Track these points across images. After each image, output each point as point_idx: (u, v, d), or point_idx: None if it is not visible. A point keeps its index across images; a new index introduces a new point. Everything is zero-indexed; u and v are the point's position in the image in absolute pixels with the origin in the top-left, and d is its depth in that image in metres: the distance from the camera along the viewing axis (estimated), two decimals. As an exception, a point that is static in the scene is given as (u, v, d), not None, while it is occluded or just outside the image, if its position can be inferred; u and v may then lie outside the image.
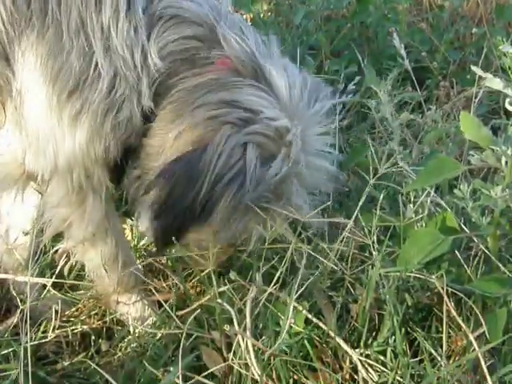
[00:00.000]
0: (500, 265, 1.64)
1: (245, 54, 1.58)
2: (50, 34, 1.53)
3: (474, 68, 1.62)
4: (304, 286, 1.60)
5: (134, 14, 1.54)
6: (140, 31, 1.54)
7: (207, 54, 1.58)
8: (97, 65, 1.53)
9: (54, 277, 1.78)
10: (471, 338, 1.46)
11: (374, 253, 1.69)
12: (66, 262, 1.83)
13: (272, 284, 1.65)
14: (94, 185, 1.66)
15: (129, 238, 2.15)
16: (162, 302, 1.66)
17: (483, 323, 1.50)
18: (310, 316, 1.63)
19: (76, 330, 1.80)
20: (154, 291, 1.78)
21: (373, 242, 1.67)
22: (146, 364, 1.56)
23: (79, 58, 1.53)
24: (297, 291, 1.59)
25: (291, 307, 1.55)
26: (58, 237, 1.82)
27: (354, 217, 1.70)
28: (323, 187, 1.70)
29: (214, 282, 1.64)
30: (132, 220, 2.17)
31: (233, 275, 1.73)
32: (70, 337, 1.78)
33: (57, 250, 1.88)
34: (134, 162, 1.67)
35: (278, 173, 1.57)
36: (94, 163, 1.62)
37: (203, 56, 1.58)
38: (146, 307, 1.83)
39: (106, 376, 1.52)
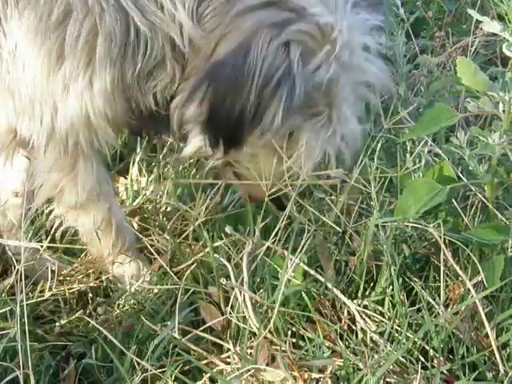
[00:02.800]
0: (497, 212, 1.63)
1: None
2: None
3: (470, 11, 1.58)
4: (302, 240, 1.59)
5: None
6: None
7: None
8: (136, 25, 1.50)
9: (47, 241, 1.77)
10: (469, 285, 1.46)
11: (372, 203, 1.69)
12: (57, 228, 1.81)
13: (271, 238, 1.64)
14: (91, 148, 1.64)
15: (123, 197, 2.15)
16: (158, 258, 1.65)
17: (481, 271, 1.49)
18: (307, 269, 1.63)
19: (73, 289, 1.79)
20: (151, 249, 1.77)
21: (370, 193, 1.66)
22: (144, 319, 1.56)
23: (116, 21, 1.49)
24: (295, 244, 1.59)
25: (289, 260, 1.54)
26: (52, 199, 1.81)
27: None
28: (374, 84, 1.64)
29: (206, 236, 1.63)
30: (126, 178, 2.16)
31: (229, 229, 1.72)
32: (68, 295, 1.78)
33: (51, 212, 1.86)
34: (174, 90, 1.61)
35: (324, 72, 1.53)
36: (107, 123, 1.59)
37: None
38: (142, 265, 1.82)
39: (105, 332, 1.51)
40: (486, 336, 1.45)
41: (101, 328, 1.52)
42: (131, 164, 2.15)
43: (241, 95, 1.51)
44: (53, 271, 1.80)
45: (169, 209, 2.04)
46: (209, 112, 1.55)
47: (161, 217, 2.01)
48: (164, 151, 2.18)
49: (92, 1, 1.49)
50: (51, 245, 1.82)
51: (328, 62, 1.54)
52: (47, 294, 1.73)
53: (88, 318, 1.61)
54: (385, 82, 1.66)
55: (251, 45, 1.49)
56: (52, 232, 1.83)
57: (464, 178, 1.71)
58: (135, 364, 1.47)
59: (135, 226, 2.01)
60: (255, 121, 1.53)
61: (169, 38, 1.54)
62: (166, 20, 1.52)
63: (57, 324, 1.67)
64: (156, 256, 1.65)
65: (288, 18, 1.51)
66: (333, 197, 1.73)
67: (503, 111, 1.57)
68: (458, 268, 1.51)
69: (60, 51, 1.52)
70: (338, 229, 1.68)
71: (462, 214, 1.65)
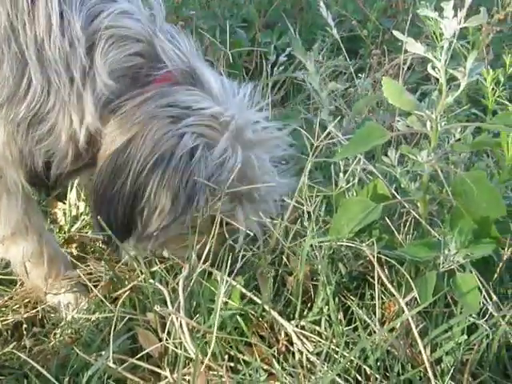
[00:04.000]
0: (430, 229, 1.65)
1: (182, 63, 1.63)
2: None
3: (395, 33, 1.61)
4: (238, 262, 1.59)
5: (68, 29, 1.52)
6: (77, 46, 1.53)
7: (148, 70, 1.61)
8: (30, 77, 1.51)
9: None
10: (402, 303, 1.47)
11: (307, 223, 1.69)
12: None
13: (202, 260, 1.62)
14: (8, 185, 1.64)
15: (62, 222, 2.11)
16: (92, 287, 1.62)
17: (413, 287, 1.51)
18: (244, 291, 1.62)
19: (7, 321, 1.75)
20: (83, 277, 1.74)
21: (303, 212, 1.67)
22: (76, 350, 1.53)
23: (12, 69, 1.50)
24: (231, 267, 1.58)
25: (223, 283, 1.53)
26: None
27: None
28: (280, 155, 1.74)
29: (142, 263, 1.62)
30: (64, 204, 2.12)
31: (166, 253, 1.71)
32: (2, 327, 1.73)
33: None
34: None
35: (232, 156, 1.60)
36: (10, 164, 1.60)
37: (145, 73, 1.61)
38: (79, 294, 1.80)
39: (36, 366, 1.48)
40: (421, 352, 1.46)
41: (31, 361, 1.48)
42: (69, 188, 2.12)
43: (118, 181, 1.56)
44: (-14, 302, 1.76)
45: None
46: (96, 204, 1.61)
47: (100, 242, 1.98)
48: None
49: None
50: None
51: (233, 147, 1.62)
52: (-21, 327, 1.69)
53: (18, 352, 1.56)
54: (287, 143, 1.76)
55: (137, 133, 1.56)
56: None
57: (398, 196, 1.73)
58: (68, 396, 1.44)
59: (74, 251, 1.99)
60: (136, 204, 1.58)
61: (69, 115, 1.56)
62: (71, 95, 1.54)
63: (-12, 358, 1.63)
64: (89, 284, 1.63)
65: (181, 113, 1.59)
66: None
67: (431, 128, 1.60)
68: (390, 286, 1.52)
69: None
70: (257, 241, 1.67)
71: (396, 232, 1.67)
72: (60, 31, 1.51)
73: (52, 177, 1.63)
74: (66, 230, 2.06)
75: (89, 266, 1.85)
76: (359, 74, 2.24)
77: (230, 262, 1.58)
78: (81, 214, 2.09)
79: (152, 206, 1.59)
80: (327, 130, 1.75)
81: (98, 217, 1.59)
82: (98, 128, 1.58)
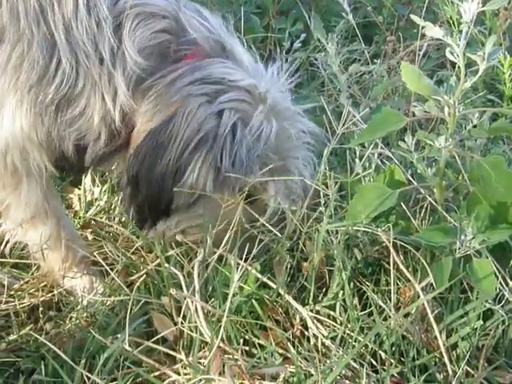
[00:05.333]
0: (446, 215, 1.64)
1: (211, 36, 1.64)
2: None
3: (413, 17, 1.60)
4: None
5: (94, 9, 1.54)
6: (104, 26, 1.54)
7: (178, 46, 1.61)
8: (59, 58, 1.52)
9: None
10: (417, 288, 1.47)
11: (323, 209, 1.69)
12: (6, 243, 1.78)
13: (221, 246, 1.63)
14: (31, 168, 1.64)
15: (77, 208, 2.12)
16: (109, 269, 1.63)
17: (429, 273, 1.50)
18: (259, 276, 1.62)
19: (24, 304, 1.76)
20: (101, 261, 1.75)
21: (318, 196, 1.67)
22: (93, 332, 1.53)
23: (42, 50, 1.51)
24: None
25: (235, 268, 1.53)
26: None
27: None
28: (311, 130, 1.75)
29: (157, 246, 1.62)
30: (79, 189, 2.13)
31: (180, 238, 1.71)
32: (19, 310, 1.74)
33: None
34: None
35: (267, 128, 1.61)
36: (35, 147, 1.61)
37: (174, 49, 1.61)
38: (94, 278, 1.81)
39: (54, 348, 1.49)
40: (436, 337, 1.46)
41: (49, 343, 1.49)
42: (84, 174, 2.13)
43: (161, 159, 1.57)
44: (3, 286, 1.77)
45: (123, 219, 2.02)
46: (133, 181, 1.61)
47: (114, 227, 1.99)
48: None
49: (23, 25, 1.50)
50: (1, 260, 1.79)
51: (267, 119, 1.62)
52: (-3, 310, 1.70)
53: (36, 334, 1.57)
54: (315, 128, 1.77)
55: (176, 112, 1.56)
56: (2, 247, 1.81)
57: (415, 182, 1.72)
58: (85, 378, 1.44)
59: (89, 236, 2.00)
60: (176, 181, 1.59)
61: (101, 95, 1.56)
62: (102, 75, 1.55)
63: (6, 340, 1.64)
64: (106, 267, 1.63)
65: (216, 89, 1.60)
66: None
67: (448, 113, 1.59)
68: (406, 271, 1.52)
69: None
70: (279, 234, 1.67)
71: (412, 218, 1.66)
72: (87, 12, 1.52)
73: (87, 160, 1.64)
74: (81, 215, 2.07)
75: (104, 250, 1.85)
76: (374, 61, 2.22)
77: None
78: (96, 199, 2.10)
79: (189, 183, 1.60)
80: (356, 118, 1.74)
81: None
82: (132, 107, 1.58)
